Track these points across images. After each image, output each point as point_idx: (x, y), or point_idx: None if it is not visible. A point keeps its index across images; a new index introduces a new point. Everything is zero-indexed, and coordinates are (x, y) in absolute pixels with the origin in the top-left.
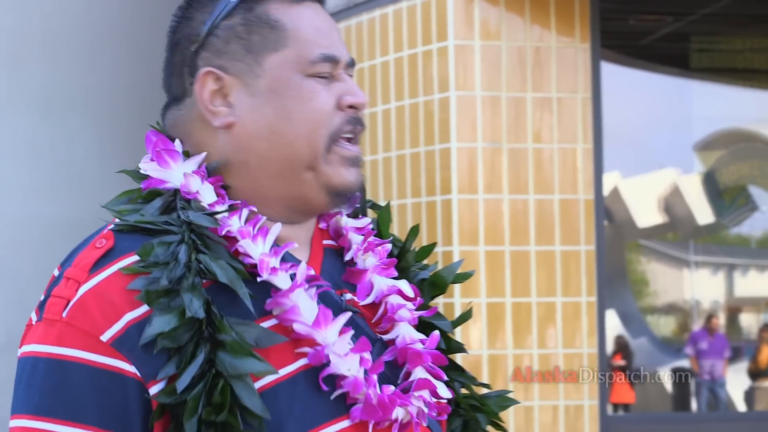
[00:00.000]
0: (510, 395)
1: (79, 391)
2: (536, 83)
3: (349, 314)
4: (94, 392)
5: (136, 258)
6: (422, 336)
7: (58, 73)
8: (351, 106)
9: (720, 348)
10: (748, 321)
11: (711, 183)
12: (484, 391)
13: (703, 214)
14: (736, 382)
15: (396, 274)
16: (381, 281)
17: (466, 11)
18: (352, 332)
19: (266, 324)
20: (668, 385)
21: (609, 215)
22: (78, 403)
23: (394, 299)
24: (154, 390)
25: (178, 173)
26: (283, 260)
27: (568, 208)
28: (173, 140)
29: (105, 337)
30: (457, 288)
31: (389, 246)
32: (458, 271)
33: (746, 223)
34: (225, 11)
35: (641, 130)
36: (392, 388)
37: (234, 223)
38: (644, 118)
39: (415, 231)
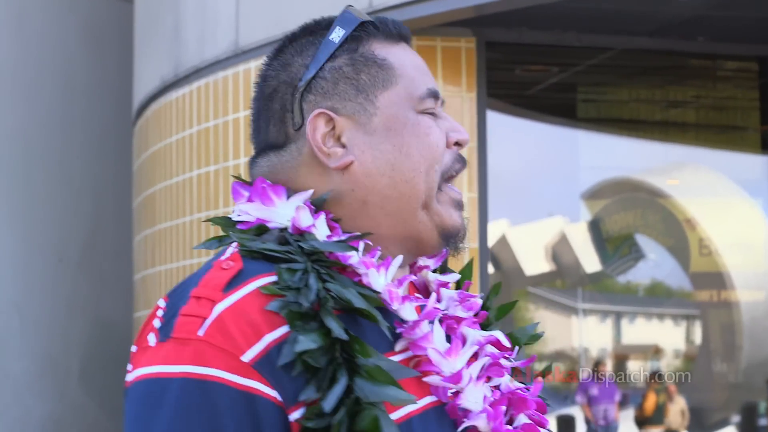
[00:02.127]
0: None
1: (221, 413)
2: None
3: (477, 346)
4: (235, 415)
5: (270, 279)
6: (522, 385)
7: None
8: (457, 143)
9: (610, 393)
10: (635, 368)
11: (597, 231)
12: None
13: (590, 262)
14: (623, 430)
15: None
16: (475, 333)
17: None
18: (484, 360)
19: (394, 359)
20: None
21: (497, 263)
22: (218, 425)
23: (491, 349)
24: (295, 415)
25: (284, 210)
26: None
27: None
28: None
29: (246, 357)
30: None
31: (480, 301)
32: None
33: (632, 272)
34: (328, 54)
35: (529, 179)
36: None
37: (353, 255)
38: (531, 166)
39: (496, 289)
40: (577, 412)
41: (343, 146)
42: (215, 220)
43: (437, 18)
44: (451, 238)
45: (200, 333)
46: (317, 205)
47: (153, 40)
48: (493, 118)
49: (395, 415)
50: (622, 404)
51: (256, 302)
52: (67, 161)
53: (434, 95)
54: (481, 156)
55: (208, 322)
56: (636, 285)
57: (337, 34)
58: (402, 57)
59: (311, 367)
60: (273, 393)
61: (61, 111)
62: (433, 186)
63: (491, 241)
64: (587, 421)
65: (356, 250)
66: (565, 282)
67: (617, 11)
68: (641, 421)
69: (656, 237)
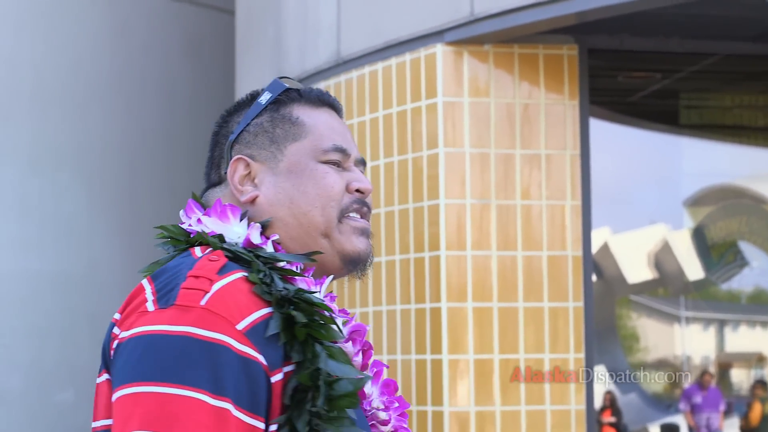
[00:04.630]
0: None
1: (221, 366)
2: (525, 140)
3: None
4: (233, 372)
5: (246, 274)
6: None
7: (48, 127)
8: (358, 191)
9: (715, 401)
10: (739, 377)
11: (700, 239)
12: None
13: (693, 269)
14: None
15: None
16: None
17: (456, 68)
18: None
19: None
20: None
21: (599, 271)
22: (218, 376)
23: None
24: (276, 378)
25: (237, 229)
26: None
27: (556, 265)
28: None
29: (240, 326)
30: (444, 344)
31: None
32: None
33: (736, 279)
34: (256, 112)
35: (631, 186)
36: None
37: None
38: (633, 174)
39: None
40: (680, 421)
41: (255, 186)
42: (167, 229)
43: (539, 25)
44: (353, 263)
45: (202, 302)
46: (263, 226)
47: (254, 50)
48: (596, 125)
49: None
50: (727, 413)
51: (244, 286)
52: (170, 172)
53: (340, 150)
54: (584, 163)
55: (208, 294)
56: (739, 292)
57: (264, 98)
58: (318, 118)
59: (291, 339)
60: (261, 358)
61: (163, 122)
62: (330, 219)
63: (593, 249)
64: (690, 430)
65: (300, 273)
66: (667, 290)
67: (720, 17)
68: (747, 430)
69: (761, 244)
